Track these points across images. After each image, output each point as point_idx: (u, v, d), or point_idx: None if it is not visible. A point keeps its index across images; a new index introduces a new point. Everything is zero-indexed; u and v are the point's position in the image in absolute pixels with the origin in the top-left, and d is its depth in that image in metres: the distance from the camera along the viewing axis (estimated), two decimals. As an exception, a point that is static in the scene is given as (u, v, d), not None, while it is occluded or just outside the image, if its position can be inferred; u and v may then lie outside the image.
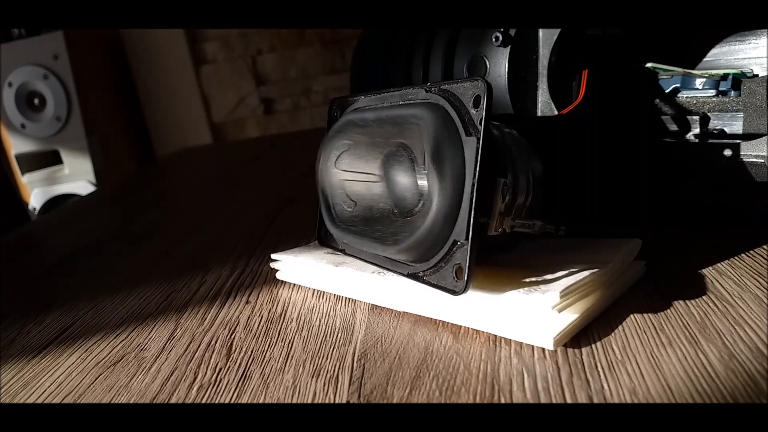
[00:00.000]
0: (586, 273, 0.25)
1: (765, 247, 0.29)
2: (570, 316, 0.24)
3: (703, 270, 0.28)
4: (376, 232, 0.28)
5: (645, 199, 0.34)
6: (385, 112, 0.28)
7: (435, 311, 0.27)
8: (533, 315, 0.24)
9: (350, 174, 0.30)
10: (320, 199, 0.32)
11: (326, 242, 0.34)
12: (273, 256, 0.35)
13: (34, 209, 1.91)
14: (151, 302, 0.36)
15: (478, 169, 0.22)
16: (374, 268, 0.30)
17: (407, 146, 0.27)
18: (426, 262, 0.25)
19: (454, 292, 0.24)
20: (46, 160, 1.94)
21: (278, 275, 0.35)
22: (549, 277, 0.25)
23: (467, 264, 0.23)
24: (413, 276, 0.26)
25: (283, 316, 0.31)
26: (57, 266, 0.49)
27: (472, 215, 0.23)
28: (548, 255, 0.28)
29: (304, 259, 0.33)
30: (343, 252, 0.32)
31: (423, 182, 0.26)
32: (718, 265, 0.28)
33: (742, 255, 0.29)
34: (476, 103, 0.23)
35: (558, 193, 0.29)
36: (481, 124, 0.22)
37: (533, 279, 0.25)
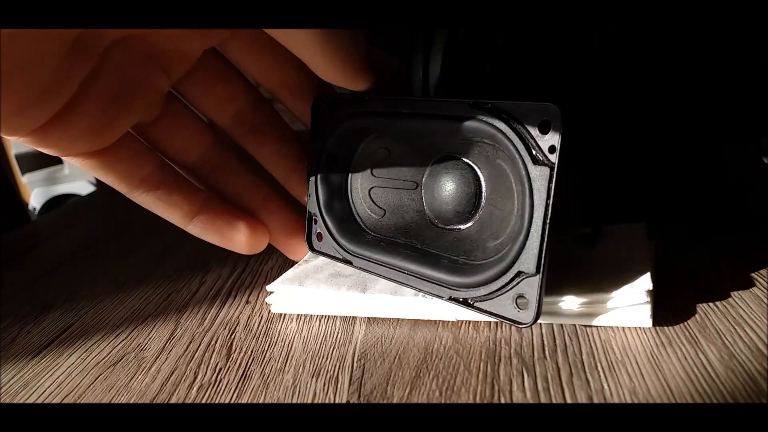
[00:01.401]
0: (640, 258, 0.26)
1: (765, 247, 0.29)
2: (650, 302, 0.24)
3: (703, 270, 0.28)
4: (430, 246, 0.27)
5: (646, 200, 0.34)
6: (422, 122, 0.26)
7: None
8: (627, 305, 0.24)
9: (384, 181, 0.29)
10: (323, 204, 0.30)
11: (318, 249, 0.31)
12: (268, 288, 0.31)
13: (34, 209, 1.91)
14: (151, 302, 0.36)
15: (551, 202, 0.21)
16: (412, 290, 0.27)
17: (461, 158, 0.26)
18: (477, 289, 0.24)
19: (519, 323, 0.23)
20: (46, 160, 1.94)
21: (275, 309, 0.31)
22: (613, 270, 0.25)
23: (536, 296, 0.22)
24: (456, 300, 0.25)
25: (283, 316, 0.31)
26: (57, 266, 0.49)
27: (545, 248, 0.22)
28: (575, 253, 0.29)
29: (314, 287, 0.29)
30: (350, 264, 0.29)
31: (484, 198, 0.26)
32: (718, 265, 0.28)
33: (742, 255, 0.29)
34: (544, 128, 0.21)
35: (573, 199, 0.29)
36: (552, 152, 0.21)
37: (601, 276, 0.25)
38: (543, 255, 0.22)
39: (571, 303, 0.24)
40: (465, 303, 0.25)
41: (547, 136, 0.21)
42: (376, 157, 0.30)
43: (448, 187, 0.27)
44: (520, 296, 0.23)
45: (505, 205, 0.25)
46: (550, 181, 0.21)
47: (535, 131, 0.22)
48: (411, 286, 0.27)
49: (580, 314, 0.25)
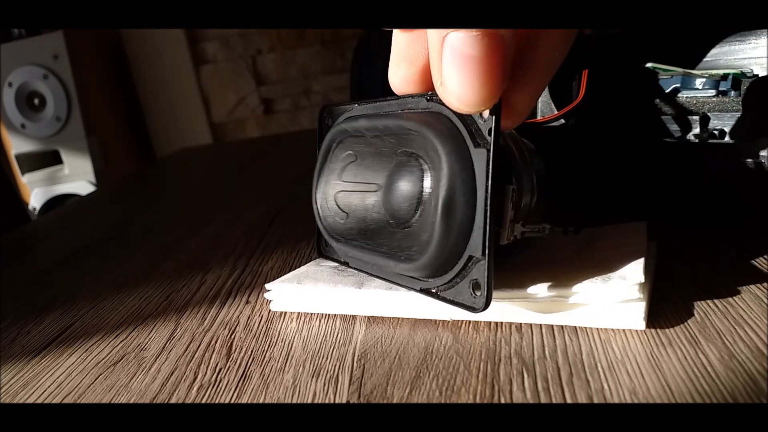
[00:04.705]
0: (637, 255, 0.25)
1: (765, 247, 0.29)
2: (643, 299, 0.24)
3: (703, 270, 0.28)
4: (381, 246, 0.27)
5: (643, 199, 0.34)
6: (381, 121, 0.27)
7: (509, 315, 0.26)
8: (617, 301, 0.24)
9: (350, 185, 0.30)
10: (315, 211, 0.31)
11: (326, 254, 0.32)
12: (267, 286, 0.31)
13: (34, 209, 1.91)
14: (151, 302, 0.36)
15: (490, 182, 0.22)
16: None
17: (418, 155, 0.26)
18: (440, 278, 0.25)
19: (473, 309, 0.23)
20: (46, 160, 1.95)
21: (274, 306, 0.32)
22: (607, 265, 0.25)
23: (485, 280, 0.22)
24: (426, 291, 0.26)
25: (283, 316, 0.31)
26: (57, 266, 0.49)
27: (488, 230, 0.22)
28: (571, 249, 0.29)
29: (312, 285, 0.30)
30: (347, 265, 0.31)
31: (427, 191, 0.25)
32: (718, 265, 0.28)
33: (742, 255, 0.29)
34: (483, 113, 0.22)
35: (563, 193, 0.29)
36: (490, 134, 0.22)
37: (592, 270, 0.25)
38: (487, 237, 0.22)
39: (540, 290, 0.25)
40: (433, 294, 0.25)
41: (486, 120, 0.22)
42: (345, 163, 0.30)
43: (397, 186, 0.27)
44: (475, 282, 0.23)
45: (432, 197, 0.25)
46: (488, 163, 0.22)
47: (477, 116, 0.22)
48: (389, 281, 0.28)
49: (552, 302, 0.25)
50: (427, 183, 0.25)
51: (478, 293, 0.23)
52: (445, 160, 0.23)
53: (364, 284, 0.29)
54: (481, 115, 0.22)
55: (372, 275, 0.29)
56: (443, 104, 0.24)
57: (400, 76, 0.26)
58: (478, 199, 0.22)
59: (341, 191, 0.30)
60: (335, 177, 0.30)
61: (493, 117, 0.22)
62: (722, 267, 0.28)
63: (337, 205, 0.30)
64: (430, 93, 0.25)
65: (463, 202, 0.23)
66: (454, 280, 0.24)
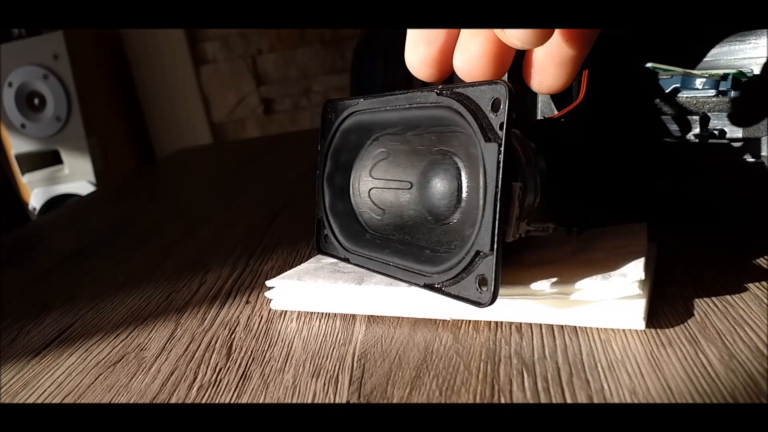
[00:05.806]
0: (638, 255, 0.25)
1: (765, 247, 0.29)
2: (643, 296, 0.24)
3: (703, 270, 0.28)
4: (419, 240, 0.27)
5: (644, 200, 0.34)
6: (398, 113, 0.27)
7: (509, 314, 0.26)
8: (617, 297, 0.24)
9: (381, 182, 0.30)
10: (329, 207, 0.31)
11: (325, 250, 0.32)
12: (268, 283, 0.31)
13: (34, 209, 1.91)
14: (151, 302, 0.36)
15: (501, 176, 0.22)
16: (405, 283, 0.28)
17: (454, 153, 0.26)
18: (444, 273, 0.25)
19: (479, 304, 0.23)
20: (46, 160, 1.95)
21: (274, 305, 0.32)
22: (608, 264, 0.25)
23: (493, 275, 0.22)
24: (430, 287, 0.25)
25: (283, 316, 0.31)
26: (57, 266, 0.49)
27: (497, 225, 0.22)
28: (572, 249, 0.29)
29: (312, 281, 0.30)
30: (347, 261, 0.31)
31: (465, 187, 0.26)
32: (718, 265, 0.28)
33: (742, 255, 0.29)
34: (495, 107, 0.22)
35: (566, 193, 0.29)
36: (501, 129, 0.22)
37: (593, 269, 0.25)
38: (496, 232, 0.22)
39: (542, 287, 0.24)
40: (437, 289, 0.25)
41: (498, 114, 0.22)
42: (376, 160, 0.30)
43: (434, 184, 0.28)
44: (482, 277, 0.23)
45: (477, 193, 0.25)
46: (498, 157, 0.22)
47: (488, 110, 0.23)
48: (393, 276, 0.27)
49: (553, 299, 0.25)
50: (464, 179, 0.26)
51: (485, 288, 0.23)
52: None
53: (364, 280, 0.29)
54: (492, 109, 0.22)
55: (374, 271, 0.29)
56: (453, 98, 0.24)
57: (419, 57, 0.26)
58: (488, 194, 0.22)
59: (374, 188, 0.30)
60: (366, 174, 0.31)
61: (505, 111, 0.22)
62: (722, 267, 0.28)
63: (372, 202, 0.30)
64: (440, 87, 0.25)
65: (473, 196, 0.23)
66: (460, 276, 0.24)
